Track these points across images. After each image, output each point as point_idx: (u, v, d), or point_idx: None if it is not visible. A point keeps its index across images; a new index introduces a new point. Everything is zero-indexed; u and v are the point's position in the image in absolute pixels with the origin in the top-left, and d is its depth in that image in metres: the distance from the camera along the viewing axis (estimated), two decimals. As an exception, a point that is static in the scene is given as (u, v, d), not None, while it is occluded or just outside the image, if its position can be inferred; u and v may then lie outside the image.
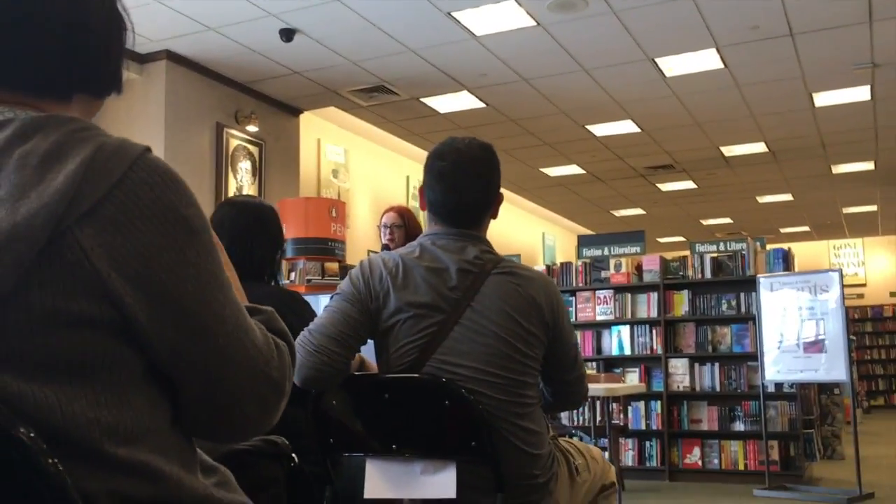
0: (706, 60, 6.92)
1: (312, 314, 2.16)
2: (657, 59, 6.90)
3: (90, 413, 0.79)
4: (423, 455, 1.79)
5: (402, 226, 4.30)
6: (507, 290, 1.80)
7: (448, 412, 1.75)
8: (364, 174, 9.31)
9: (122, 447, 0.80)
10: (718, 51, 6.71)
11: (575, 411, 6.54)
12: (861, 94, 7.81)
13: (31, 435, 0.72)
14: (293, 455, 1.56)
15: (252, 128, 7.27)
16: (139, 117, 6.52)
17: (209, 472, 0.95)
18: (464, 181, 1.89)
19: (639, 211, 13.60)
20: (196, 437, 0.93)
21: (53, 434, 0.76)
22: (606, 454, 5.17)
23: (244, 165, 7.21)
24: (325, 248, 6.72)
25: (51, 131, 0.82)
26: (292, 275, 6.37)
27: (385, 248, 4.29)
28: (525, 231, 13.26)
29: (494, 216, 1.98)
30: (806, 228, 15.57)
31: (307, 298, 2.39)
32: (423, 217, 2.20)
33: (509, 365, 1.77)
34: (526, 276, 1.85)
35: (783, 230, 15.62)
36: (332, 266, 6.50)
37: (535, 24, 6.12)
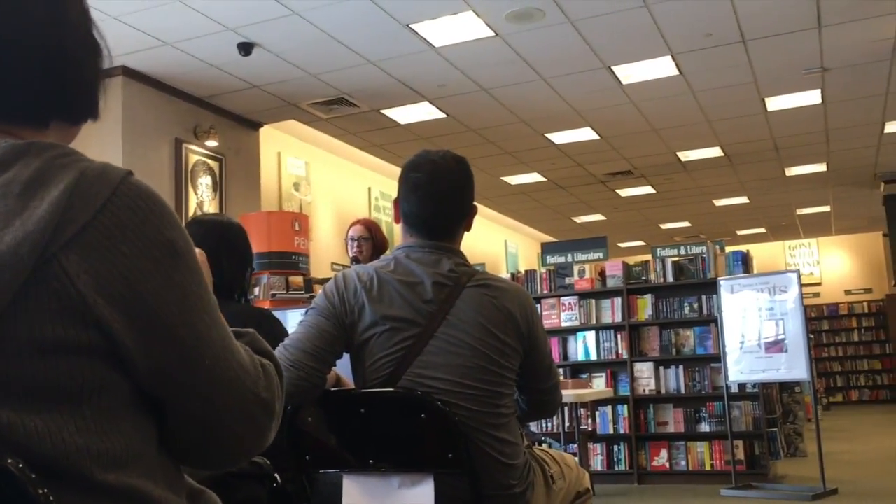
0: (661, 68, 7.03)
1: (284, 331, 2.15)
2: (614, 68, 7.00)
3: (80, 440, 0.78)
4: (400, 469, 1.79)
5: (370, 238, 4.31)
6: (482, 302, 1.81)
7: (424, 425, 1.75)
8: (326, 187, 9.28)
9: (111, 473, 0.80)
10: (673, 58, 6.83)
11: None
12: (812, 97, 8.00)
13: (20, 465, 0.71)
14: (276, 475, 1.55)
15: (212, 142, 7.21)
16: (96, 134, 6.42)
17: (196, 495, 0.95)
18: (439, 193, 1.90)
19: (599, 217, 13.75)
20: (189, 464, 0.93)
21: (43, 463, 0.75)
22: (576, 460, 5.21)
23: (204, 181, 7.15)
24: (288, 262, 6.68)
25: (32, 158, 0.82)
26: (256, 290, 6.32)
27: (354, 260, 4.29)
28: (488, 239, 13.32)
29: (468, 228, 2.00)
30: (762, 230, 15.87)
31: (273, 313, 2.38)
32: (394, 230, 2.20)
33: (485, 377, 1.78)
34: (501, 288, 1.86)
35: (740, 232, 15.90)
36: (297, 280, 6.46)
37: (493, 34, 6.17)
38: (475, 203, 2.00)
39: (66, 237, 0.78)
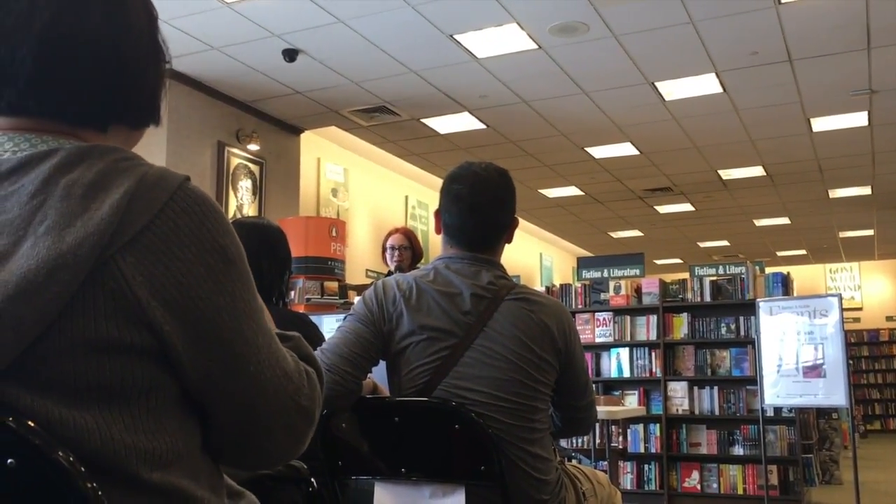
0: (705, 85, 6.97)
1: (321, 335, 2.16)
2: (657, 83, 6.96)
3: (128, 438, 0.80)
4: (432, 479, 1.79)
5: (409, 247, 4.33)
6: (519, 315, 1.81)
7: (458, 436, 1.74)
8: (363, 193, 9.33)
9: (156, 471, 0.81)
10: (718, 75, 6.76)
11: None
12: (858, 119, 7.87)
13: (71, 459, 0.72)
14: (312, 480, 1.56)
15: (253, 146, 7.30)
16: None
17: (236, 496, 0.96)
18: (480, 205, 1.90)
19: (636, 233, 13.64)
20: (225, 463, 0.94)
21: (93, 459, 0.77)
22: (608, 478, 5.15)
23: (245, 184, 7.23)
24: (324, 267, 6.72)
25: (95, 161, 0.84)
26: (291, 293, 6.36)
27: (399, 269, 4.28)
28: (523, 252, 13.28)
29: (509, 240, 2.00)
30: (803, 252, 15.62)
31: (309, 318, 2.39)
32: (430, 239, 2.20)
33: (520, 391, 1.77)
34: (539, 303, 1.85)
35: (780, 253, 15.67)
36: (332, 285, 6.49)
37: (536, 47, 6.17)
38: (517, 216, 1.99)
39: (124, 240, 0.80)
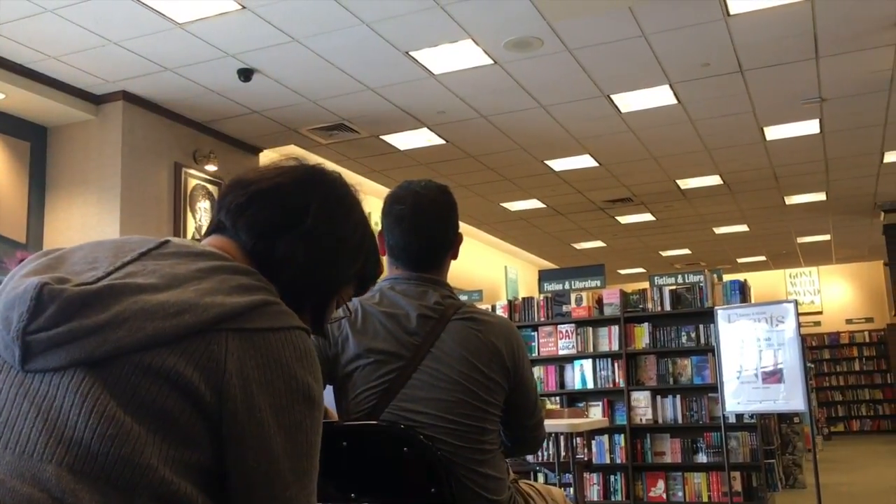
0: (660, 97, 7.06)
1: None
2: (612, 96, 7.03)
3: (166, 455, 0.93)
4: (382, 503, 1.77)
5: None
6: (467, 335, 1.79)
7: (407, 459, 1.73)
8: (325, 211, 9.27)
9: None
10: (671, 87, 6.86)
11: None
12: (810, 127, 8.02)
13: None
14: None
15: (211, 167, 7.23)
16: (96, 158, 6.45)
17: None
18: (423, 224, 1.89)
19: (599, 243, 13.75)
20: None
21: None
22: (571, 490, 5.15)
23: (203, 205, 7.16)
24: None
25: (251, 278, 1.05)
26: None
27: None
28: (487, 266, 13.31)
29: (455, 257, 1.99)
30: (762, 258, 15.85)
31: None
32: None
33: (469, 412, 1.76)
34: (487, 322, 1.84)
35: (740, 260, 15.88)
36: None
37: (492, 62, 6.20)
38: (463, 227, 1.99)
39: (242, 327, 0.97)
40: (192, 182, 7.07)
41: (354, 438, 1.78)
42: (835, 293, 17.01)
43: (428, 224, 1.89)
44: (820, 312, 16.84)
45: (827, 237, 13.93)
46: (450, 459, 1.73)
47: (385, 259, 1.92)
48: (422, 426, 1.73)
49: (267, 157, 8.13)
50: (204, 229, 6.38)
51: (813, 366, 13.93)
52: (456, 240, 1.96)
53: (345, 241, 1.20)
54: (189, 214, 6.98)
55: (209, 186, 7.26)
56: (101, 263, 1.02)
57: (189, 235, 6.88)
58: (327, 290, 1.22)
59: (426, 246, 1.89)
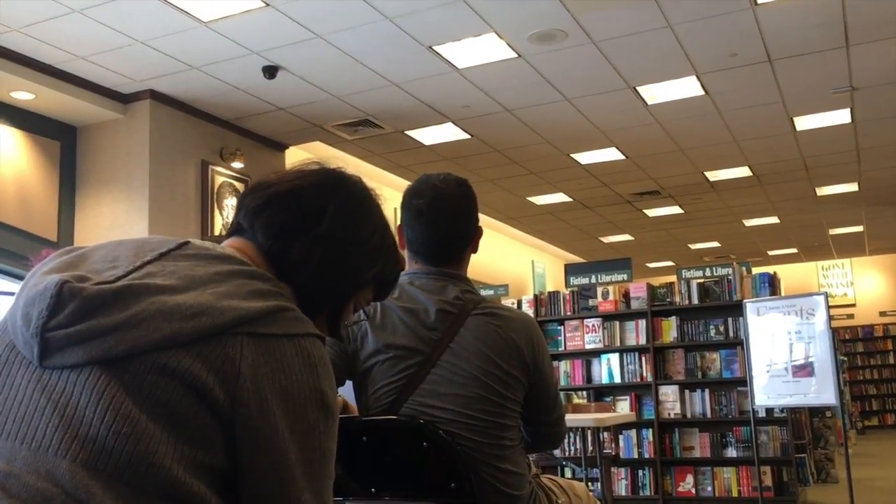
0: (687, 88, 6.98)
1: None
2: (638, 88, 6.97)
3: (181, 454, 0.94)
4: (403, 498, 1.77)
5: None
6: (486, 331, 1.78)
7: (427, 454, 1.73)
8: (351, 207, 9.29)
9: None
10: (698, 78, 6.78)
11: (566, 441, 6.51)
12: (841, 117, 7.89)
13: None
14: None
15: (237, 164, 7.29)
16: (124, 157, 6.52)
17: None
18: (442, 218, 1.88)
19: (627, 237, 13.65)
20: None
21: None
22: (598, 485, 5.13)
23: (230, 202, 7.21)
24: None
25: (268, 284, 1.06)
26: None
27: None
28: (514, 260, 13.27)
29: (475, 251, 1.98)
30: (794, 250, 15.64)
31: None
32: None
33: (488, 408, 1.75)
34: (506, 317, 1.82)
35: (771, 253, 15.68)
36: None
37: (516, 55, 6.17)
38: (480, 225, 1.97)
39: (257, 332, 0.97)
40: (219, 179, 7.13)
41: (374, 433, 1.79)
42: (868, 285, 16.73)
43: (447, 218, 1.88)
44: (853, 305, 16.58)
45: (860, 228, 13.71)
46: (469, 455, 1.72)
47: (405, 253, 1.92)
48: (441, 421, 1.73)
49: (293, 154, 8.17)
50: (231, 226, 6.42)
51: (846, 359, 13.72)
52: (475, 233, 1.94)
53: (362, 244, 1.21)
54: (216, 211, 7.04)
55: (236, 184, 7.31)
56: (122, 262, 1.03)
57: (217, 232, 6.94)
58: (343, 293, 1.22)
59: (445, 240, 1.88)
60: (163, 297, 0.96)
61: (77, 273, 0.99)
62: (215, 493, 0.94)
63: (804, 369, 5.58)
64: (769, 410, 6.00)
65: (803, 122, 8.04)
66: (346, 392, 1.86)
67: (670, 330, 6.50)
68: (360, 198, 1.25)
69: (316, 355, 1.02)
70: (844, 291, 16.69)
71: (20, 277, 6.01)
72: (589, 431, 5.88)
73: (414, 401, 1.76)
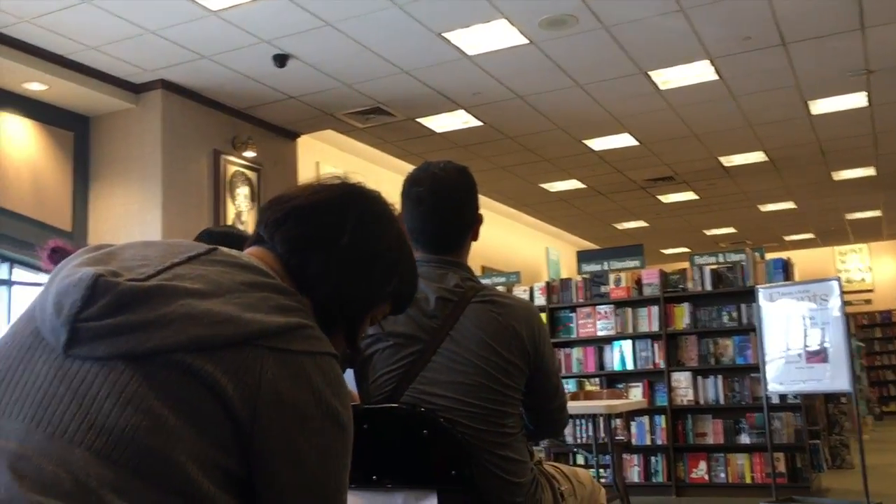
0: (700, 72, 6.92)
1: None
2: (650, 73, 6.91)
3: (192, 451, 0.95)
4: (404, 485, 1.78)
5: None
6: (486, 318, 1.78)
7: (428, 442, 1.73)
8: (364, 195, 9.29)
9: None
10: (712, 62, 6.71)
11: (577, 428, 6.50)
12: (858, 100, 7.80)
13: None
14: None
15: (249, 153, 7.30)
16: (137, 146, 6.56)
17: None
18: (442, 206, 1.88)
19: (641, 223, 13.58)
20: None
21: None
22: (609, 472, 5.13)
23: (242, 191, 7.24)
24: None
25: (291, 299, 1.07)
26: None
27: None
28: (528, 247, 13.25)
29: (475, 238, 1.97)
30: (810, 235, 15.52)
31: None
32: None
33: (488, 395, 1.75)
34: (506, 305, 1.82)
35: (787, 238, 15.57)
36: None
37: (527, 41, 6.14)
38: (481, 213, 1.97)
39: (277, 346, 0.99)
40: (232, 168, 7.15)
41: (375, 421, 1.79)
42: (886, 270, 16.57)
43: (447, 206, 1.88)
44: (871, 290, 16.44)
45: (877, 213, 13.58)
46: (470, 442, 1.72)
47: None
48: (442, 409, 1.73)
49: (305, 142, 8.18)
50: (243, 215, 6.48)
51: (864, 345, 13.61)
52: (476, 221, 1.94)
53: (379, 259, 1.22)
54: (229, 200, 7.06)
55: (248, 172, 7.33)
56: (152, 262, 1.05)
57: (230, 221, 6.96)
58: (360, 307, 1.23)
59: (445, 228, 1.88)
60: (192, 300, 0.98)
61: (110, 268, 1.01)
62: (226, 494, 0.95)
63: (818, 355, 5.54)
64: (783, 397, 5.97)
65: (819, 106, 7.95)
66: (348, 379, 1.87)
67: (683, 316, 6.47)
68: (378, 213, 1.27)
69: (332, 374, 1.04)
70: (862, 276, 16.54)
71: (35, 267, 6.07)
72: (601, 418, 5.88)
73: (414, 388, 1.76)
